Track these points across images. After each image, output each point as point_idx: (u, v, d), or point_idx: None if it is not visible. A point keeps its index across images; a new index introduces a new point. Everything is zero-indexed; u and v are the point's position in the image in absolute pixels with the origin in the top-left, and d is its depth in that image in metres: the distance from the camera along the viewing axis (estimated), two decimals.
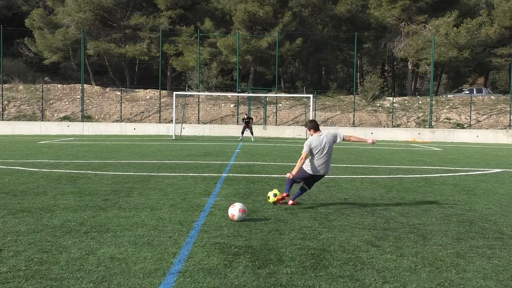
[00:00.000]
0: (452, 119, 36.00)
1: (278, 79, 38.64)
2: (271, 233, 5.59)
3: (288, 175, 7.35)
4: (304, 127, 32.47)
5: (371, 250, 4.97)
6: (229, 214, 6.18)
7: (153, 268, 4.25)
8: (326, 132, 7.43)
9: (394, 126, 34.83)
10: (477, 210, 7.29)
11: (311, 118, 6.91)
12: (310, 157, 7.31)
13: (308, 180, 7.48)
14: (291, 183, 7.41)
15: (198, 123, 34.37)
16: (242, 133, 28.14)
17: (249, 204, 7.31)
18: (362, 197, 8.19)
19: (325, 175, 7.47)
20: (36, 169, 11.24)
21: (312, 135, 7.36)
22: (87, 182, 9.31)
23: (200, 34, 36.42)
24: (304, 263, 4.48)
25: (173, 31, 40.07)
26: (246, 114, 30.03)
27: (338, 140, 7.36)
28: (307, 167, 7.36)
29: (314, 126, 7.40)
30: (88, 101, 36.10)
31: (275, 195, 7.32)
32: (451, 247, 5.17)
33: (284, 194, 7.29)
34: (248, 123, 27.94)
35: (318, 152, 7.23)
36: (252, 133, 28.09)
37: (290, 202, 7.38)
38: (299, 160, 7.27)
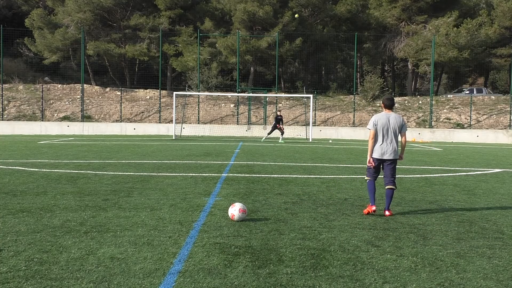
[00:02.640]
0: (452, 119, 35.99)
1: (278, 79, 38.63)
2: (271, 233, 5.59)
3: (368, 164, 6.82)
4: (305, 126, 32.70)
5: (371, 250, 4.97)
6: (229, 214, 6.19)
7: (153, 268, 4.25)
8: (397, 114, 6.90)
9: None
10: (477, 210, 7.29)
11: (388, 97, 6.92)
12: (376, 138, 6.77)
13: (378, 168, 6.87)
14: (373, 191, 6.81)
15: (198, 123, 34.36)
16: (270, 133, 26.35)
17: (249, 204, 7.31)
18: (362, 197, 8.19)
19: (394, 160, 6.77)
20: (36, 169, 11.24)
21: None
22: (87, 182, 9.31)
23: (200, 34, 36.41)
24: (304, 263, 4.48)
25: (173, 31, 40.05)
26: (280, 111, 26.88)
27: (403, 130, 6.82)
28: (374, 151, 6.82)
29: (388, 104, 6.84)
30: (88, 101, 36.10)
31: None
32: (451, 247, 5.17)
33: (372, 209, 6.69)
34: (279, 122, 25.62)
35: (383, 130, 6.70)
36: (282, 133, 25.91)
37: (387, 213, 6.69)
38: (368, 141, 6.81)
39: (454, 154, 19.55)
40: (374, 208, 6.72)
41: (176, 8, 40.02)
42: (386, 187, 6.81)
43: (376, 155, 6.77)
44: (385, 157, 6.74)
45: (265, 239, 5.30)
